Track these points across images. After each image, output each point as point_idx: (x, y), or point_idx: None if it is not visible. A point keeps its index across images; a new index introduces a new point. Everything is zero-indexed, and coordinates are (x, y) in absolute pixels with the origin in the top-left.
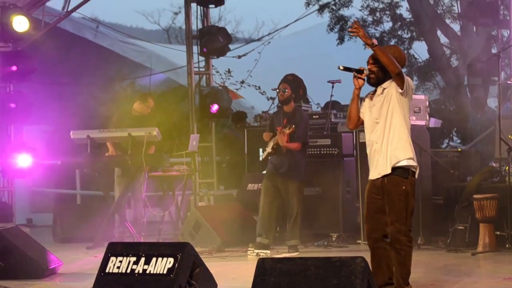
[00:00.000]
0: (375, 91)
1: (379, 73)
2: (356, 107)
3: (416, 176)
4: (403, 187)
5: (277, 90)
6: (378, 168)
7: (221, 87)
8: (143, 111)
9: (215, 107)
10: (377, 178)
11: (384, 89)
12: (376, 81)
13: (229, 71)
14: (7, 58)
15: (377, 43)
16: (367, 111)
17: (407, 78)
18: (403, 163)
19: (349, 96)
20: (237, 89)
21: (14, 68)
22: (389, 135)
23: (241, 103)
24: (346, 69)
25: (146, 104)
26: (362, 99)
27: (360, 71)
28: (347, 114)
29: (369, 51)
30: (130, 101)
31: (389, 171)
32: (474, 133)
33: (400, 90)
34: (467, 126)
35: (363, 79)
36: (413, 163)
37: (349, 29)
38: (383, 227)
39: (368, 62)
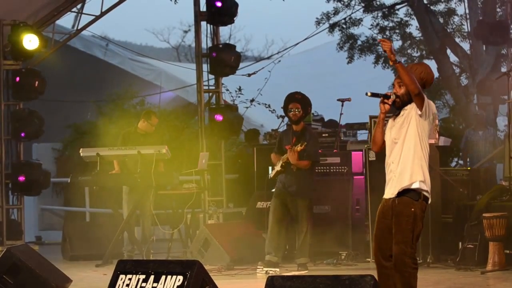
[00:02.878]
0: (399, 112)
1: (404, 97)
2: (380, 130)
3: (429, 201)
4: (412, 209)
5: (288, 110)
6: (392, 188)
7: (232, 106)
8: (147, 129)
9: (218, 117)
10: (390, 198)
11: (406, 110)
12: (401, 104)
13: (239, 89)
14: (18, 76)
15: (400, 61)
16: (388, 131)
17: (427, 101)
18: (415, 185)
19: (359, 113)
20: (246, 107)
21: (24, 85)
22: (404, 156)
23: (250, 121)
24: (374, 95)
25: (150, 122)
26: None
27: (387, 97)
28: (372, 138)
29: (377, 71)
30: (139, 119)
31: (398, 191)
32: (473, 150)
33: (419, 112)
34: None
35: (389, 104)
36: (424, 186)
37: (380, 39)
38: (391, 247)
39: (393, 85)
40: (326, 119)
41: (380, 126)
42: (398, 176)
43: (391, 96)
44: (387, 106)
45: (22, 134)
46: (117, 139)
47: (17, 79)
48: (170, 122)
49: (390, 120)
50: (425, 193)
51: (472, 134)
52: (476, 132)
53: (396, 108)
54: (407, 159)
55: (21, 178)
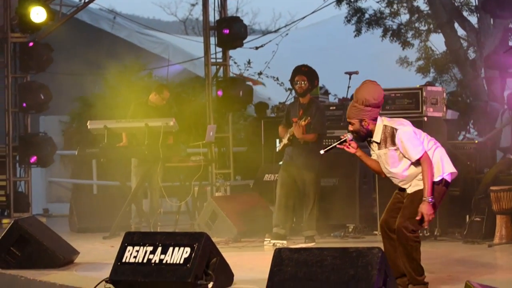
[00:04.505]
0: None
1: (360, 131)
2: (371, 162)
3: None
4: None
5: (294, 83)
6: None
7: (240, 79)
8: (158, 102)
9: (219, 92)
10: None
11: (379, 144)
12: (364, 136)
13: (249, 62)
14: (25, 49)
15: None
16: (375, 156)
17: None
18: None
19: None
20: (257, 79)
21: (31, 58)
22: (410, 179)
23: (258, 94)
24: (328, 150)
25: (162, 96)
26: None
27: (343, 141)
28: (375, 171)
29: (384, 44)
30: (147, 92)
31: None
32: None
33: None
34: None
35: (351, 140)
36: (439, 177)
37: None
38: None
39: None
40: (333, 93)
41: (368, 161)
42: (412, 187)
43: (347, 136)
44: (353, 146)
45: (29, 107)
46: (127, 110)
47: (25, 52)
48: (178, 95)
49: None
50: (446, 177)
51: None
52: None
53: (362, 141)
54: (413, 180)
55: (28, 151)
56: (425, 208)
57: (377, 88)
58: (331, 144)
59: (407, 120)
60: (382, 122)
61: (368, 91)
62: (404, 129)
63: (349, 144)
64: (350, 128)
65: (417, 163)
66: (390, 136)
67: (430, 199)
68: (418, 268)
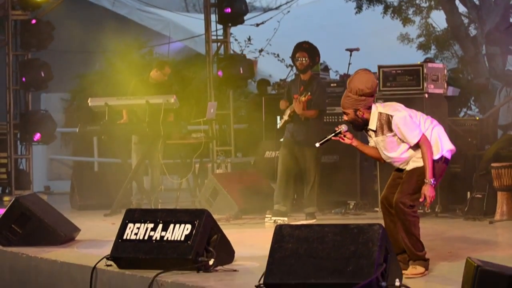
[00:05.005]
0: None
1: (356, 120)
2: (369, 150)
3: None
4: None
5: (295, 59)
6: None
7: (241, 56)
8: (159, 78)
9: (220, 73)
10: None
11: (375, 131)
12: (360, 126)
13: (249, 39)
14: (26, 26)
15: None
16: (373, 143)
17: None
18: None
19: (367, 64)
20: (255, 58)
21: (32, 36)
22: (408, 160)
23: (259, 71)
24: (324, 142)
25: (163, 72)
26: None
27: (338, 133)
28: (375, 158)
29: (385, 21)
30: (148, 69)
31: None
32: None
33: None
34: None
35: (347, 132)
36: (438, 155)
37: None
38: None
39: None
40: (333, 69)
41: (365, 148)
42: (411, 165)
43: (342, 128)
44: (348, 136)
45: (30, 84)
46: (128, 88)
47: (26, 29)
48: (179, 72)
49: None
50: (445, 154)
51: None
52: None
53: (359, 130)
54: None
55: (29, 128)
56: (427, 190)
57: (370, 77)
58: (326, 137)
59: (401, 104)
60: (376, 109)
61: (361, 80)
62: (399, 114)
63: (344, 135)
64: (345, 118)
65: (416, 145)
66: (386, 123)
67: (432, 181)
68: (417, 244)
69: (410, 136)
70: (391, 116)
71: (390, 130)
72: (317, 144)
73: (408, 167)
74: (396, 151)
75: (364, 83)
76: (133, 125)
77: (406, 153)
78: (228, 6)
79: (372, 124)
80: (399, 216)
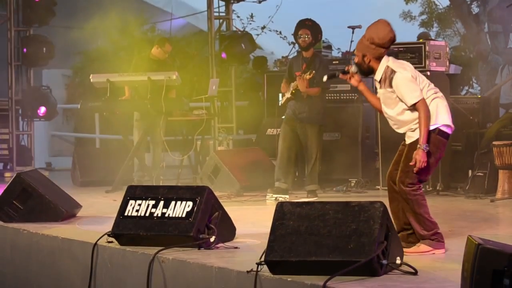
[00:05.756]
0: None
1: (363, 64)
2: (372, 98)
3: (449, 133)
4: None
5: (297, 36)
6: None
7: (243, 33)
8: (160, 56)
9: (223, 55)
10: None
11: (379, 83)
12: (363, 72)
13: (251, 16)
14: (27, 3)
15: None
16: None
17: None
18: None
19: None
20: (257, 35)
21: (34, 12)
22: (401, 123)
23: (261, 47)
24: (330, 76)
25: (164, 49)
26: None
27: (345, 72)
28: (374, 107)
29: (391, 1)
30: (150, 46)
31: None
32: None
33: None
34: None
35: (355, 72)
36: (432, 126)
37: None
38: None
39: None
40: (336, 47)
41: (369, 95)
42: (408, 138)
43: (352, 69)
44: (356, 78)
45: (32, 60)
46: (130, 64)
47: (27, 5)
48: (181, 49)
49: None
50: (441, 127)
51: (480, 67)
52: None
53: (364, 76)
54: (407, 131)
55: (31, 104)
56: (418, 154)
57: (386, 30)
58: (334, 72)
59: (410, 65)
60: (386, 62)
61: (377, 30)
62: (404, 73)
63: (352, 76)
64: (355, 60)
65: (412, 109)
66: (389, 78)
67: (424, 147)
68: (423, 222)
69: (408, 97)
70: (395, 72)
71: (391, 85)
72: (325, 78)
73: (407, 141)
74: (393, 109)
75: (378, 33)
76: (134, 101)
77: (402, 116)
78: None
79: (378, 75)
80: (402, 196)
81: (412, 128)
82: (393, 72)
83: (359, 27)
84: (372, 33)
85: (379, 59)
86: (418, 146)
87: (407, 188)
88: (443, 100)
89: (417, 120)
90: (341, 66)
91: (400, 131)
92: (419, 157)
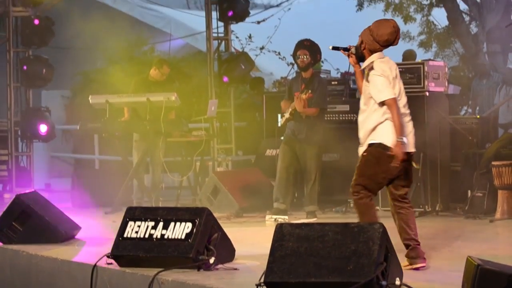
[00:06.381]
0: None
1: (357, 48)
2: (361, 84)
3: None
4: (364, 153)
5: (296, 57)
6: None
7: (241, 53)
8: (158, 77)
9: (225, 79)
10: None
11: (364, 73)
12: (357, 56)
13: (250, 37)
14: (27, 23)
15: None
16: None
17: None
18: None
19: None
20: (256, 55)
21: (33, 33)
22: (360, 124)
23: (260, 69)
24: (335, 48)
25: (161, 71)
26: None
27: (346, 49)
28: (359, 91)
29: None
30: (150, 67)
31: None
32: (478, 99)
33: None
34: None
35: (354, 54)
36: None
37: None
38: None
39: None
40: (335, 66)
41: (360, 80)
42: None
43: (352, 49)
44: (353, 58)
45: (31, 82)
46: (129, 86)
47: (26, 26)
48: (180, 69)
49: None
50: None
51: (477, 84)
52: (481, 82)
53: (358, 60)
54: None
55: (30, 125)
56: (397, 146)
57: (387, 30)
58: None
59: (395, 68)
60: (375, 58)
61: (379, 26)
62: (379, 71)
63: (351, 55)
64: (357, 43)
65: (379, 114)
66: (368, 73)
67: (400, 139)
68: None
69: (378, 94)
70: (372, 70)
71: (368, 80)
72: (330, 47)
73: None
74: (363, 105)
75: (378, 29)
76: (134, 122)
77: (363, 114)
78: (230, 8)
79: (364, 65)
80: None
81: (363, 142)
82: (371, 69)
83: None
84: (375, 26)
85: (372, 51)
86: (397, 139)
87: (351, 189)
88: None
89: (375, 130)
90: (340, 87)
91: (361, 138)
92: (397, 150)
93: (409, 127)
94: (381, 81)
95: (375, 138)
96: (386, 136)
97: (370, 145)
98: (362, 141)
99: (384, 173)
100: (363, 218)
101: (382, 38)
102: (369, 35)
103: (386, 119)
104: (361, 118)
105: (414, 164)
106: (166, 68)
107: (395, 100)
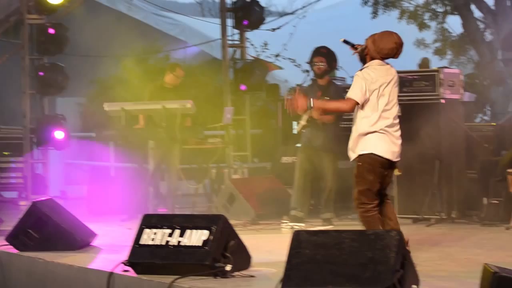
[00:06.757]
0: None
1: (362, 49)
2: None
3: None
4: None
5: (313, 64)
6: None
7: (255, 60)
8: (173, 81)
9: (242, 87)
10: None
11: None
12: (361, 58)
13: (265, 44)
14: (41, 31)
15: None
16: None
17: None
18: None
19: None
20: (271, 62)
21: (48, 40)
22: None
23: (274, 76)
24: (346, 42)
25: (175, 74)
26: None
27: (355, 48)
28: None
29: (401, 26)
30: (165, 74)
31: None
32: (497, 106)
33: None
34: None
35: (359, 55)
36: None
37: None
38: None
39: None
40: (351, 74)
41: None
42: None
43: (358, 48)
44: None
45: (46, 89)
46: (144, 93)
47: (42, 33)
48: (195, 77)
49: None
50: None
51: (494, 91)
52: (497, 89)
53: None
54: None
55: (46, 133)
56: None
57: (388, 44)
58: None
59: (380, 78)
60: (371, 64)
61: (382, 39)
62: (358, 75)
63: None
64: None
65: (368, 121)
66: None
67: (312, 103)
68: None
69: (350, 91)
70: (362, 69)
71: None
72: (341, 40)
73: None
74: (356, 114)
75: (380, 41)
76: (149, 130)
77: (359, 126)
78: (245, 17)
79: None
80: None
81: (354, 148)
82: (360, 70)
83: None
84: (379, 38)
85: (373, 58)
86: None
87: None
88: (385, 135)
89: (365, 140)
90: None
91: (351, 144)
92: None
93: (396, 135)
94: (357, 81)
95: (365, 148)
96: (375, 146)
97: (361, 155)
98: (351, 146)
99: (380, 179)
100: (366, 226)
101: (382, 51)
102: (372, 44)
103: (375, 131)
104: (355, 128)
105: (396, 171)
106: (179, 70)
107: (354, 104)
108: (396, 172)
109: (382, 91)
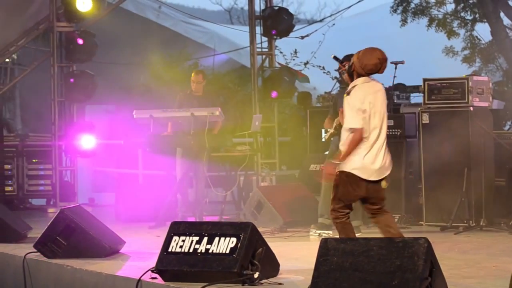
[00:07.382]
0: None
1: (349, 66)
2: None
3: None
4: None
5: (342, 71)
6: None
7: (283, 67)
8: (197, 89)
9: (274, 94)
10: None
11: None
12: (348, 74)
13: (295, 52)
14: (71, 38)
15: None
16: None
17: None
18: None
19: (413, 77)
20: (301, 70)
21: (77, 48)
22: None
23: (303, 84)
24: (335, 58)
25: (192, 79)
26: None
27: (342, 64)
28: None
29: (430, 33)
30: None
31: None
32: None
33: None
34: None
35: (347, 72)
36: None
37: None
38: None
39: None
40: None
41: None
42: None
43: (346, 65)
44: (345, 74)
45: (75, 96)
46: (173, 100)
47: (70, 41)
48: (224, 84)
49: None
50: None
51: None
52: None
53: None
54: None
55: (74, 140)
56: (327, 167)
57: (371, 60)
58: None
59: (368, 94)
60: (357, 82)
61: (365, 56)
62: (350, 98)
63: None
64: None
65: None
66: (347, 94)
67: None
68: None
69: (348, 120)
70: (348, 94)
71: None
72: (332, 56)
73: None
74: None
75: (364, 58)
76: (178, 137)
77: (342, 135)
78: (273, 26)
79: (349, 87)
80: None
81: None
82: (349, 93)
83: (402, 62)
84: (362, 55)
85: (359, 75)
86: (333, 160)
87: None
88: (367, 154)
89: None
90: None
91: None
92: (327, 169)
93: (380, 154)
94: (350, 109)
95: (345, 167)
96: (353, 164)
97: (341, 171)
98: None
99: (357, 192)
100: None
101: (366, 67)
102: (357, 61)
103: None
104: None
105: (383, 184)
106: (194, 76)
107: (361, 131)
108: (383, 185)
109: (370, 110)
